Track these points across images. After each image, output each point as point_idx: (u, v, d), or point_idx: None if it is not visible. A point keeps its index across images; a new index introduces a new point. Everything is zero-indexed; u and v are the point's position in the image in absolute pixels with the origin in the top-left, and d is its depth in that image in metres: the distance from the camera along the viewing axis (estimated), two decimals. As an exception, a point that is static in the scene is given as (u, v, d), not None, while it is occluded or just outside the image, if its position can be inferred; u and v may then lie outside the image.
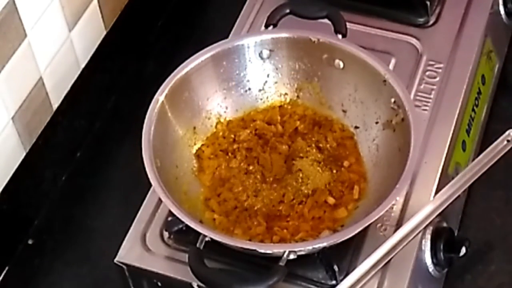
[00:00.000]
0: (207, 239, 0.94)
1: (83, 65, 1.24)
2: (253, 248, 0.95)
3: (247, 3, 1.29)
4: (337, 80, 1.10)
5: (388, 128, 1.06)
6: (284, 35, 1.11)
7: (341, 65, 1.09)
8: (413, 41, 1.22)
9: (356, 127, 1.10)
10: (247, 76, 1.13)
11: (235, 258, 0.99)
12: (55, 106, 1.20)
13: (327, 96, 1.12)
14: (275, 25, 1.11)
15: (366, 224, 0.94)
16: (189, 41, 1.36)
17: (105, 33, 1.28)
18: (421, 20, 1.24)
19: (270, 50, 1.11)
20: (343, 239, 0.95)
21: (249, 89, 1.13)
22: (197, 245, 0.94)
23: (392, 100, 1.04)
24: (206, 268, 0.92)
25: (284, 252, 0.92)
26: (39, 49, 1.12)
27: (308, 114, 1.13)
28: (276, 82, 1.14)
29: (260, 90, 1.14)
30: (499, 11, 1.30)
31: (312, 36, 1.09)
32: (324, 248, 0.96)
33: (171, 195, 0.97)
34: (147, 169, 0.98)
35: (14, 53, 1.07)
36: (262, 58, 1.12)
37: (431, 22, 1.24)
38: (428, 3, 1.23)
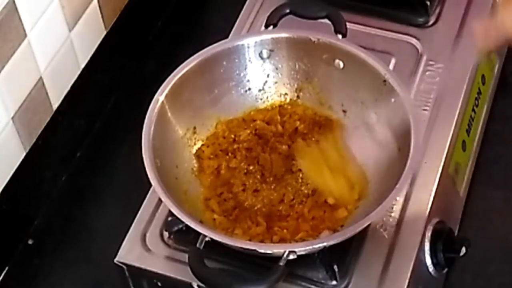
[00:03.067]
0: (207, 239, 0.94)
1: (83, 65, 1.24)
2: (253, 248, 0.95)
3: (247, 3, 1.29)
4: (337, 80, 1.10)
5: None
6: (284, 35, 1.11)
7: (341, 65, 1.09)
8: (413, 41, 1.21)
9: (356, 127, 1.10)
10: (247, 76, 1.12)
11: (235, 258, 0.99)
12: (55, 106, 1.20)
13: (327, 96, 1.12)
14: (275, 25, 1.11)
15: (366, 224, 0.94)
16: (189, 41, 1.36)
17: (105, 33, 1.28)
18: (421, 20, 1.24)
19: (270, 50, 1.11)
20: (343, 239, 0.95)
21: (249, 89, 1.13)
22: (197, 245, 0.94)
23: (392, 100, 1.04)
24: (206, 268, 0.92)
25: (284, 252, 0.92)
26: (39, 49, 1.12)
27: (308, 114, 1.12)
28: (276, 82, 1.14)
29: (260, 90, 1.14)
30: (499, 11, 1.30)
31: (312, 36, 1.09)
32: (324, 248, 0.96)
33: (171, 195, 0.97)
34: (147, 169, 0.98)
35: (14, 53, 1.07)
36: (262, 58, 1.12)
37: (431, 22, 1.24)
38: (428, 3, 1.23)
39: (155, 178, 0.97)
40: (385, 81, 1.04)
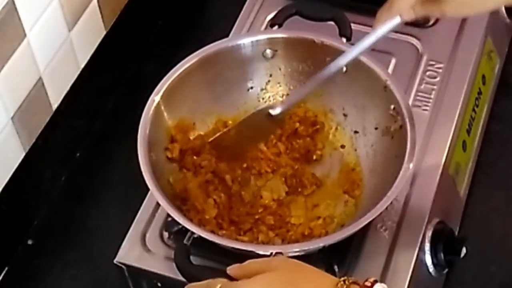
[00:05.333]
0: (195, 235, 0.93)
1: (82, 65, 1.24)
2: (250, 249, 0.94)
3: (247, 3, 1.29)
4: (339, 84, 1.09)
5: (387, 135, 1.05)
6: (288, 35, 1.10)
7: (344, 69, 1.08)
8: (414, 41, 1.21)
9: (356, 132, 1.10)
10: (250, 75, 1.12)
11: (224, 256, 0.97)
12: (54, 106, 1.19)
13: (328, 99, 1.12)
14: (280, 25, 1.11)
15: (354, 230, 0.94)
16: (189, 41, 1.36)
17: (104, 33, 1.27)
18: (421, 20, 1.23)
19: (274, 50, 1.11)
20: (334, 242, 0.94)
21: (251, 88, 1.13)
22: (184, 241, 0.93)
23: (392, 106, 1.03)
24: (190, 265, 0.92)
25: (272, 253, 0.91)
26: (38, 49, 1.12)
27: (308, 116, 1.12)
28: (278, 83, 1.14)
29: (262, 90, 1.14)
30: (500, 11, 1.29)
31: (316, 38, 1.09)
32: (324, 248, 0.96)
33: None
34: (141, 165, 0.97)
35: (14, 53, 1.07)
36: (265, 57, 1.12)
37: (431, 22, 1.24)
38: (428, 3, 1.23)
39: (148, 171, 0.97)
40: (386, 87, 1.04)
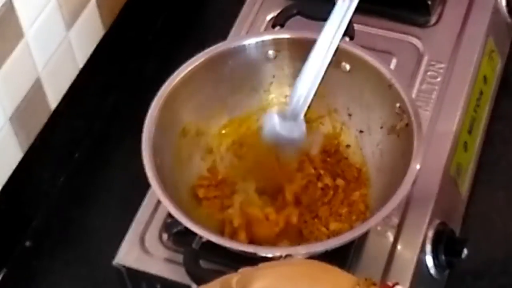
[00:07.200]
0: (203, 240, 0.93)
1: (81, 65, 1.24)
2: (253, 251, 0.94)
3: (246, 3, 1.28)
4: (343, 83, 1.09)
5: (393, 133, 1.04)
6: (291, 36, 1.10)
7: (348, 68, 1.08)
8: (415, 41, 1.21)
9: (361, 131, 1.09)
10: (252, 76, 1.11)
11: (232, 259, 0.98)
12: (53, 106, 1.19)
13: (333, 99, 1.11)
14: (282, 26, 1.11)
15: (363, 231, 0.94)
16: (188, 41, 1.36)
17: (103, 32, 1.27)
18: (423, 19, 1.23)
19: (277, 51, 1.10)
20: (340, 244, 0.93)
21: (254, 89, 1.12)
22: (193, 245, 0.93)
23: (397, 105, 1.03)
24: (200, 268, 0.92)
25: (281, 256, 0.91)
26: (36, 49, 1.12)
27: (312, 118, 1.11)
28: (281, 83, 1.13)
29: (265, 91, 1.13)
30: (502, 11, 1.29)
31: (319, 38, 1.08)
32: (326, 250, 0.95)
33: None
34: (146, 169, 0.97)
35: (12, 53, 1.07)
36: (268, 58, 1.11)
37: (432, 22, 1.24)
38: (429, 2, 1.23)
39: (154, 176, 0.96)
40: (390, 85, 1.03)
